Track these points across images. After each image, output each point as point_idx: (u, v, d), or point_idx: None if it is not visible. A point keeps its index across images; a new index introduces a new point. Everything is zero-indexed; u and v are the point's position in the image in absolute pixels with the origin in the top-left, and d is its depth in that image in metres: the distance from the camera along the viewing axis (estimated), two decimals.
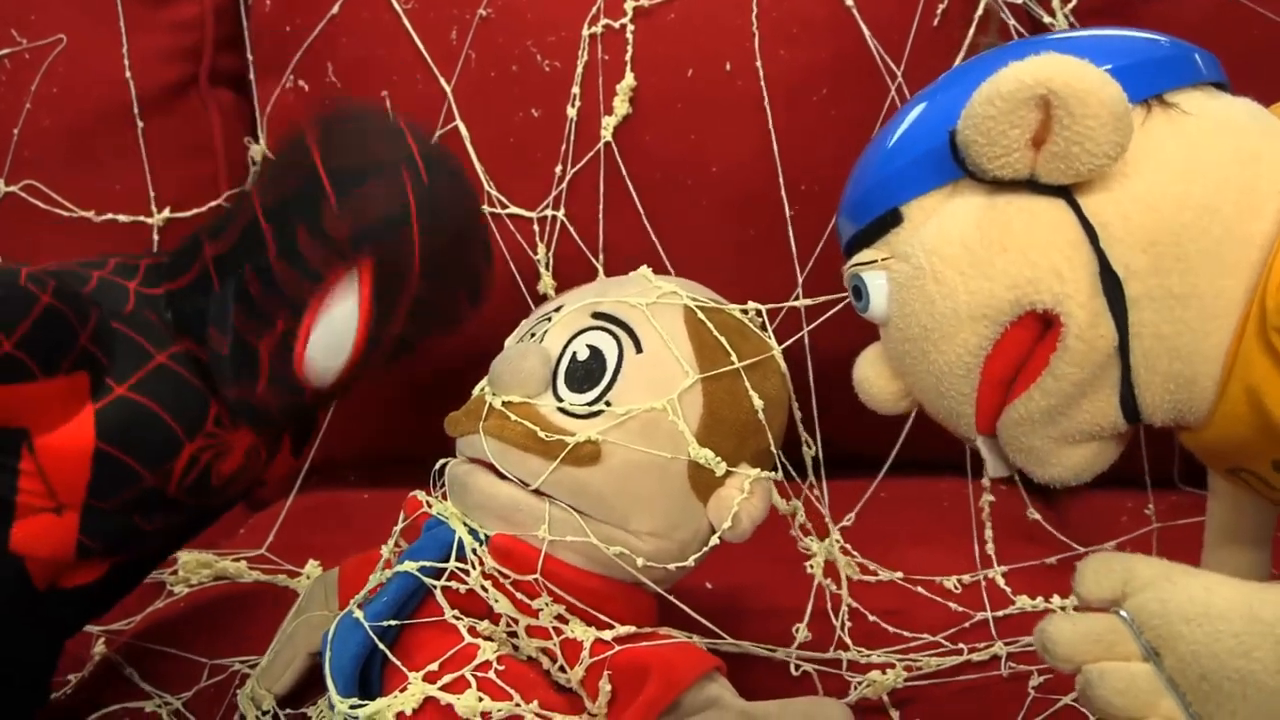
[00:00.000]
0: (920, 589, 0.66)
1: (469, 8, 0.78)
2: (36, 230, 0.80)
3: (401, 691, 0.45)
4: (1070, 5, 0.74)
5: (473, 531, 0.49)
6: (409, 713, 0.44)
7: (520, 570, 0.48)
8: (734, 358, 0.50)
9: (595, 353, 0.49)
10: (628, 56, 0.76)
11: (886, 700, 0.56)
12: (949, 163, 0.44)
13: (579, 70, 0.76)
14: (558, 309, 0.53)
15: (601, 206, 0.77)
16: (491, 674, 0.45)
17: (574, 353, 0.50)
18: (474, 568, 0.47)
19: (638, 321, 0.50)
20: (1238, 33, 0.72)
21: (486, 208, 0.78)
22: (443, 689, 0.44)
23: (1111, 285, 0.41)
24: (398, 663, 0.46)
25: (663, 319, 0.51)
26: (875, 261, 0.47)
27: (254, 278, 0.48)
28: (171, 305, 0.50)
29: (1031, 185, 0.43)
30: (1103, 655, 0.40)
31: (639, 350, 0.50)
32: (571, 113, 0.77)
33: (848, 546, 0.70)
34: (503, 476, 0.49)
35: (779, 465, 0.54)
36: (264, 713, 0.54)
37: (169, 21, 0.82)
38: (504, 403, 0.49)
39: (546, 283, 0.78)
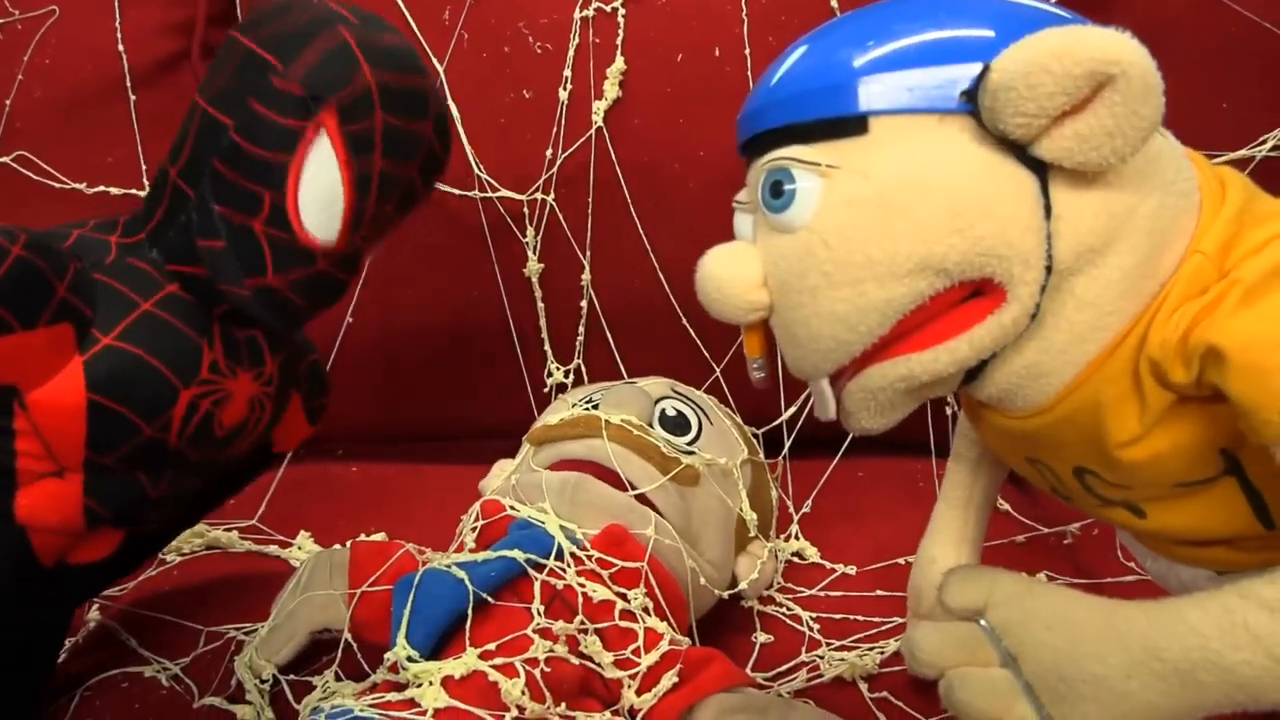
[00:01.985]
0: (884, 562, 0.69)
1: None
2: (28, 202, 0.80)
3: (455, 659, 0.47)
4: None
5: (569, 536, 0.53)
6: (456, 678, 0.46)
7: (628, 557, 0.52)
8: (762, 457, 0.62)
9: (680, 414, 0.60)
10: (618, 40, 0.77)
11: (857, 676, 0.58)
12: (948, 92, 0.40)
13: (570, 53, 0.77)
14: (587, 400, 0.61)
15: (591, 190, 0.78)
16: (537, 672, 0.47)
17: (663, 409, 0.60)
18: (570, 567, 0.51)
19: (705, 404, 0.61)
20: (1212, 29, 0.73)
21: (476, 193, 0.79)
22: (495, 668, 0.47)
23: (1045, 274, 0.40)
24: (467, 635, 0.48)
25: (715, 410, 0.61)
26: (820, 166, 0.41)
27: (224, 165, 0.47)
28: (156, 243, 0.49)
29: (1018, 152, 0.39)
30: (965, 661, 0.42)
31: (710, 423, 0.60)
32: (563, 95, 0.77)
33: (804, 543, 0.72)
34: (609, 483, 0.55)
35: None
36: (263, 681, 0.55)
37: None
38: (623, 420, 0.57)
39: (532, 267, 0.80)
